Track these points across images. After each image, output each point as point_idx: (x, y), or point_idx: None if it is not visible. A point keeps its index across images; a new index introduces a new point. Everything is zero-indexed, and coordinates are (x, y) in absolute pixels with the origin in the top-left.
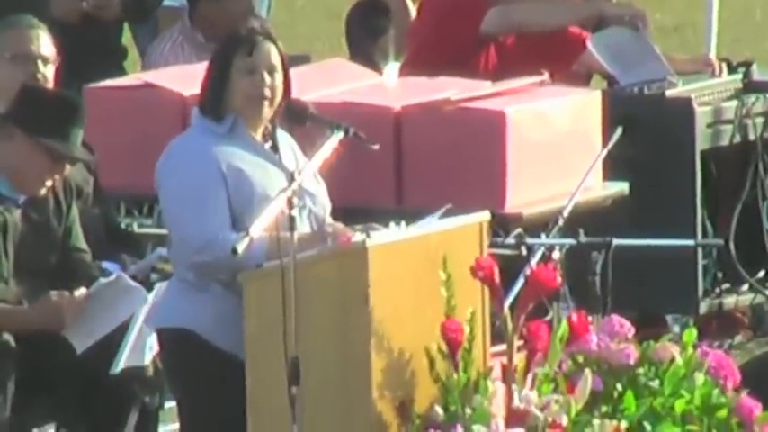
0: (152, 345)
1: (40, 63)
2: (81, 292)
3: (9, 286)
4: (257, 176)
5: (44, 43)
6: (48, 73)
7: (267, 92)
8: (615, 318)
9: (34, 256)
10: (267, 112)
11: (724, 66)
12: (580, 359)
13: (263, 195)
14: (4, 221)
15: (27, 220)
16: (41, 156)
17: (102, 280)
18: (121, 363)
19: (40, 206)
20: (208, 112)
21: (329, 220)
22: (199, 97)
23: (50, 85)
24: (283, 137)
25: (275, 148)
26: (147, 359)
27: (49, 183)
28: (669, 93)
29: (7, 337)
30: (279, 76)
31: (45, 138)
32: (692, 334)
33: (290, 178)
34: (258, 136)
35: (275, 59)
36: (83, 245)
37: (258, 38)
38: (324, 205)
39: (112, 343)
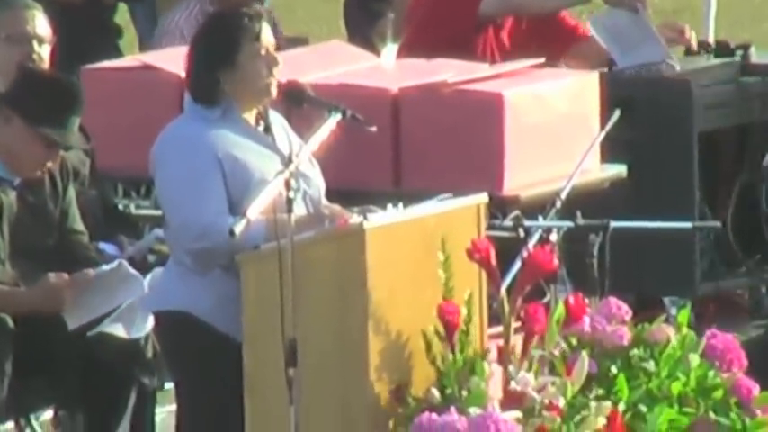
0: (142, 324)
1: (35, 43)
2: (81, 274)
3: (5, 268)
4: (253, 161)
5: (40, 23)
6: (43, 53)
7: (277, 72)
8: (613, 300)
9: (30, 237)
10: (273, 93)
11: (693, 34)
12: (574, 341)
13: (260, 180)
14: (0, 203)
15: (23, 201)
16: (38, 142)
17: (105, 267)
18: (100, 327)
19: (37, 188)
20: (202, 97)
21: (325, 201)
22: (191, 85)
23: (46, 64)
24: (275, 118)
25: (268, 129)
26: (128, 334)
27: (43, 167)
28: (667, 75)
29: (4, 317)
30: (279, 58)
31: (43, 126)
32: (686, 314)
33: (288, 160)
34: (251, 119)
35: (273, 37)
36: (80, 226)
37: (263, 21)
38: (319, 187)
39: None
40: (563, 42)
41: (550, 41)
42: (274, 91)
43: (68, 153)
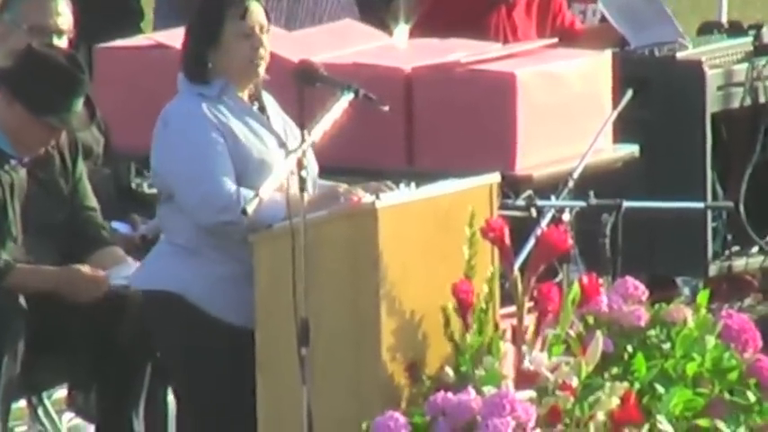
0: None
1: (54, 36)
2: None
3: (18, 245)
4: (252, 139)
5: (63, 15)
6: (62, 45)
7: (264, 54)
8: (629, 280)
9: (42, 214)
10: (261, 74)
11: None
12: (590, 320)
13: (259, 159)
14: (11, 181)
15: (34, 178)
16: (40, 127)
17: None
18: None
19: (46, 164)
20: (195, 77)
21: (319, 180)
22: (183, 62)
23: None
24: (268, 99)
25: (262, 109)
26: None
27: (48, 144)
28: (680, 55)
29: (17, 296)
30: (268, 36)
31: (44, 113)
32: (705, 296)
33: (301, 139)
34: (245, 98)
35: (264, 18)
36: (92, 202)
37: (253, 0)
38: (314, 167)
39: (126, 304)
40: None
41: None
42: (262, 71)
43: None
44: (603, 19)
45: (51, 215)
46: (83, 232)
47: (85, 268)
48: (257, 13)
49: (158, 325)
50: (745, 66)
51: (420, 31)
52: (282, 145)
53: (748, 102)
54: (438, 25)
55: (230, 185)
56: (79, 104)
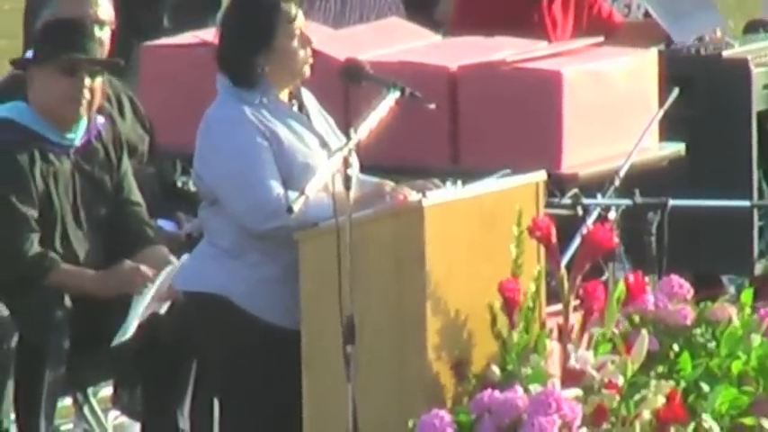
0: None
1: (96, 27)
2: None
3: (64, 238)
4: (295, 142)
5: (102, 6)
6: (104, 36)
7: (311, 52)
8: (674, 278)
9: (87, 208)
10: (308, 73)
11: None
12: (636, 319)
13: (303, 162)
14: (55, 171)
15: (78, 170)
16: (58, 76)
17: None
18: (131, 329)
19: (90, 156)
20: (242, 81)
21: (362, 177)
22: (228, 68)
23: (106, 48)
24: (308, 96)
25: (301, 108)
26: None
27: (80, 101)
28: (726, 53)
29: (63, 293)
30: (313, 37)
31: (51, 58)
32: (749, 295)
33: (347, 136)
34: (285, 98)
35: (304, 20)
36: (136, 197)
37: (295, 2)
38: (356, 165)
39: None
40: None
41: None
42: (308, 70)
43: (126, 129)
44: (648, 14)
45: (96, 209)
46: (127, 228)
47: (127, 268)
48: (300, 14)
49: (201, 326)
50: None
51: (459, 28)
52: (324, 145)
53: None
54: (477, 22)
55: (278, 190)
56: (94, 49)
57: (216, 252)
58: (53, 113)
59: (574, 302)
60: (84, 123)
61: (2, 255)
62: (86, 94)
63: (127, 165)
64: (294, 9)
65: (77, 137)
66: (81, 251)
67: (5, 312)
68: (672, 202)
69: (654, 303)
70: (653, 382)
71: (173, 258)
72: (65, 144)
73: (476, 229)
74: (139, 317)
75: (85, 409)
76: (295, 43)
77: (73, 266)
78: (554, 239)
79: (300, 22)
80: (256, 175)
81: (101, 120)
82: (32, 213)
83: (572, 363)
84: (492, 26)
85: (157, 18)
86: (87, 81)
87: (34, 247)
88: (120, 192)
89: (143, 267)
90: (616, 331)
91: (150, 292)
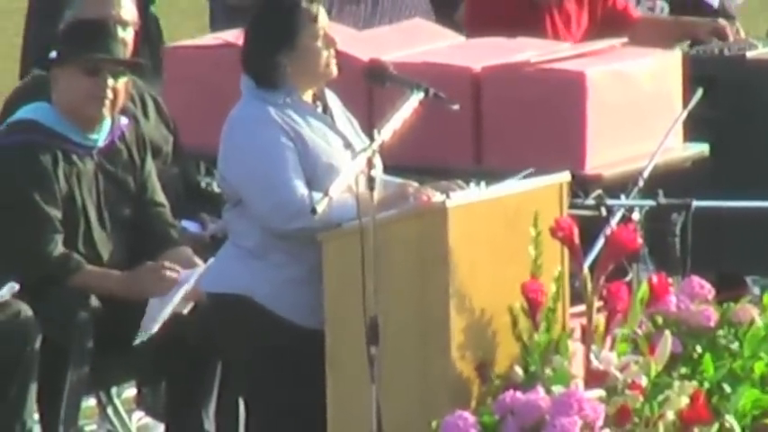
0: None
1: (119, 28)
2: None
3: (88, 239)
4: (319, 142)
5: (126, 8)
6: (127, 37)
7: (334, 52)
8: (695, 279)
9: (111, 208)
10: (335, 73)
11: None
12: (659, 320)
13: (327, 163)
14: (78, 171)
15: (102, 170)
16: (81, 77)
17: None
18: (154, 328)
19: (113, 157)
20: (265, 81)
21: (386, 177)
22: (251, 68)
23: (129, 48)
24: (332, 98)
25: (325, 109)
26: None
27: (103, 101)
28: (750, 54)
29: (88, 293)
30: (336, 38)
31: (74, 58)
32: None
33: (369, 137)
34: (309, 99)
35: (328, 21)
36: (160, 198)
37: (319, 2)
38: (380, 166)
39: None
40: (618, 29)
41: (607, 30)
42: (335, 70)
43: (150, 129)
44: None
45: (120, 210)
46: (151, 229)
47: (150, 271)
48: (324, 14)
49: (226, 327)
50: None
51: (470, 29)
52: (348, 146)
53: None
54: (484, 22)
55: (302, 191)
56: (117, 49)
57: (240, 253)
58: (76, 114)
59: (597, 303)
60: (107, 124)
61: (26, 255)
62: (109, 94)
63: (151, 166)
64: (316, 8)
65: (101, 137)
66: (105, 252)
67: (29, 313)
68: (696, 203)
69: (676, 304)
70: (676, 383)
71: (197, 260)
72: (88, 145)
73: (499, 230)
74: (165, 317)
75: (109, 410)
76: (318, 43)
77: (97, 268)
78: (577, 240)
79: (324, 23)
80: (280, 176)
81: (124, 121)
82: (56, 214)
83: (595, 364)
84: (498, 26)
85: None
86: (110, 81)
87: (58, 247)
88: (143, 193)
89: (167, 264)
90: (639, 332)
91: (180, 293)
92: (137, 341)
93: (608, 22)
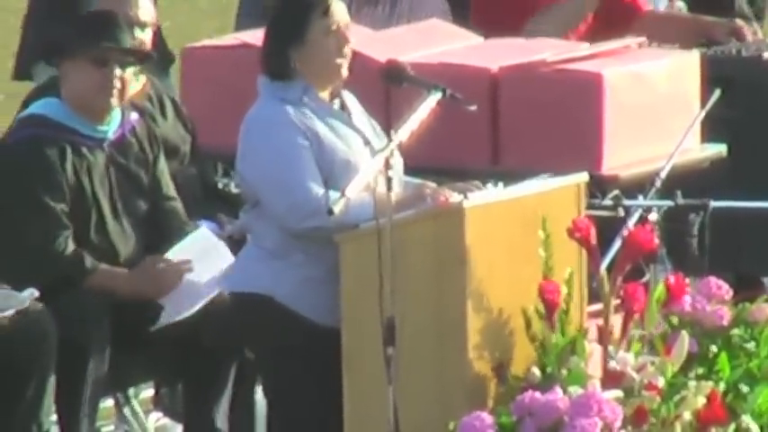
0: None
1: (137, 29)
2: (172, 254)
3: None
4: (336, 140)
5: (144, 7)
6: (145, 38)
7: (348, 52)
8: (712, 279)
9: (125, 202)
10: (345, 73)
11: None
12: (674, 321)
13: (344, 161)
14: (88, 164)
15: (113, 163)
16: (89, 68)
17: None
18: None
19: (124, 150)
20: (277, 76)
21: (406, 178)
22: (265, 63)
23: (148, 48)
24: (351, 99)
25: (344, 107)
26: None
27: (110, 91)
28: (767, 55)
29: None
30: (352, 37)
31: (83, 52)
32: None
33: (388, 139)
34: (326, 98)
35: (347, 16)
36: (174, 193)
37: None
38: (400, 166)
39: (211, 301)
40: (625, 20)
41: (613, 21)
42: (345, 71)
43: (168, 129)
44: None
45: (134, 202)
46: (166, 223)
47: (160, 264)
48: (340, 9)
49: (248, 327)
50: None
51: (482, 22)
52: (367, 143)
53: None
54: (488, 19)
55: (318, 190)
56: (125, 39)
57: (261, 253)
58: (84, 105)
59: (614, 303)
60: (117, 116)
61: (38, 256)
62: (117, 83)
63: (164, 164)
64: (329, 2)
65: (110, 129)
66: (121, 244)
67: (45, 314)
68: (713, 204)
69: (691, 305)
70: (693, 383)
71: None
72: (98, 137)
73: (517, 231)
74: (185, 316)
75: (126, 411)
76: (328, 39)
77: (106, 266)
78: (594, 241)
79: (339, 19)
80: (296, 177)
81: (135, 116)
82: (62, 207)
83: (612, 364)
84: (500, 25)
85: None
86: (118, 71)
87: (69, 245)
88: (157, 188)
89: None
90: (655, 332)
91: (203, 301)
92: (155, 326)
93: (615, 15)
